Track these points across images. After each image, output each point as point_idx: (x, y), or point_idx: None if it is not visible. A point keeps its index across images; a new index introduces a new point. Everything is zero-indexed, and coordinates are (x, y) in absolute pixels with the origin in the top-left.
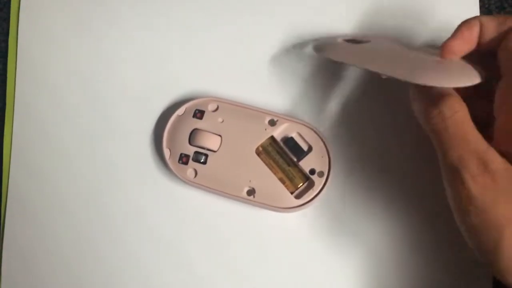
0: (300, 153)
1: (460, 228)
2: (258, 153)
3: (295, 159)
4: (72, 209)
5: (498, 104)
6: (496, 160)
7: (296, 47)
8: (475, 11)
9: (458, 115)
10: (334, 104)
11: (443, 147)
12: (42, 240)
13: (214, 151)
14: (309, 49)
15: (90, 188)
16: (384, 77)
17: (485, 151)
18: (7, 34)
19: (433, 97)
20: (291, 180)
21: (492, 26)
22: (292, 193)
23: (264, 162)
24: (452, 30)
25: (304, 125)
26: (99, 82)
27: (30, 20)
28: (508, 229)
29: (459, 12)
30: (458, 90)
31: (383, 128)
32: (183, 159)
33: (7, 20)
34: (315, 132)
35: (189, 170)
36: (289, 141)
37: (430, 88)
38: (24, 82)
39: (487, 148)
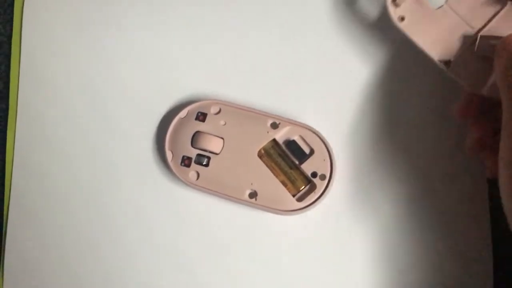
0: (302, 156)
1: None
2: (260, 155)
3: (297, 162)
4: (73, 210)
5: None
6: None
7: (299, 49)
8: None
9: None
10: (336, 108)
11: None
12: (44, 241)
13: (217, 154)
14: (311, 52)
15: (92, 190)
16: None
17: None
18: (10, 36)
19: (509, 58)
20: (293, 183)
21: None
22: (294, 196)
23: (266, 165)
24: None
25: (306, 128)
26: (101, 84)
27: (33, 22)
28: None
29: None
30: None
31: (386, 132)
32: (185, 161)
33: (10, 22)
34: (317, 135)
35: (191, 173)
36: (291, 144)
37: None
38: (27, 84)
39: None
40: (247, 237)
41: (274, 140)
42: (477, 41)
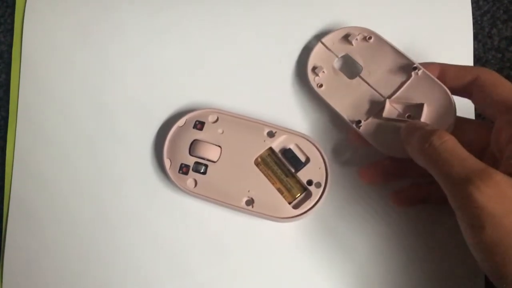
0: (298, 164)
1: (474, 251)
2: (257, 164)
3: (293, 170)
4: (73, 215)
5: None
6: (498, 173)
7: (295, 60)
8: (468, 28)
9: (448, 142)
10: (331, 117)
11: (443, 170)
12: (44, 247)
13: (214, 162)
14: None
15: (91, 196)
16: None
17: (485, 167)
18: (10, 44)
19: (421, 136)
20: (289, 190)
21: (452, 72)
22: (290, 203)
23: (263, 173)
24: (444, 48)
25: (302, 137)
26: (101, 92)
27: (34, 31)
28: None
29: (453, 30)
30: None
31: None
32: (183, 169)
33: (10, 31)
34: (312, 144)
35: (189, 180)
36: (287, 153)
37: (419, 129)
38: (27, 91)
39: (486, 165)
40: (244, 244)
41: (270, 148)
42: (385, 106)
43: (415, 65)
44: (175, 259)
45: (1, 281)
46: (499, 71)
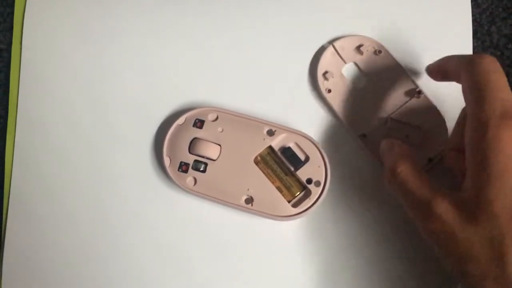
0: (298, 163)
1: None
2: (256, 162)
3: (292, 169)
4: (73, 216)
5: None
6: (440, 205)
7: (296, 59)
8: (467, 25)
9: (399, 177)
10: (331, 115)
11: (403, 204)
12: (43, 247)
13: (214, 160)
14: (308, 61)
15: (91, 195)
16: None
17: (428, 199)
18: (10, 43)
19: (385, 172)
20: (288, 189)
21: (454, 59)
22: (289, 201)
23: (262, 171)
24: (443, 46)
25: (302, 135)
26: (101, 91)
27: (33, 30)
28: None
29: (453, 28)
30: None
31: None
32: (183, 167)
33: (10, 30)
34: (312, 142)
35: (188, 178)
36: (286, 151)
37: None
38: (26, 91)
39: (432, 195)
40: (243, 242)
41: (270, 147)
42: (388, 122)
43: (418, 89)
44: (175, 257)
45: (1, 281)
46: None
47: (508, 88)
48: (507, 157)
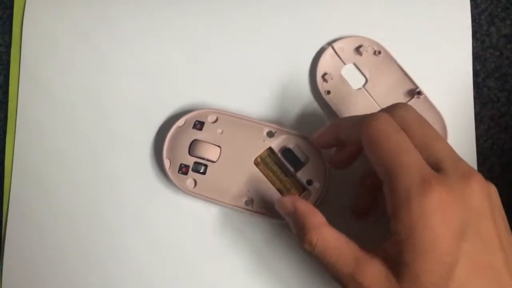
0: (298, 164)
1: None
2: (256, 163)
3: (292, 170)
4: (72, 217)
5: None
6: (366, 271)
7: (296, 61)
8: (467, 26)
9: (317, 249)
10: (331, 116)
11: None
12: (43, 249)
13: (214, 162)
14: (307, 63)
15: (91, 197)
16: None
17: (352, 273)
18: (9, 45)
19: (297, 235)
20: (288, 190)
21: (347, 126)
22: None
23: (263, 173)
24: (443, 46)
25: (302, 137)
26: (100, 93)
27: (33, 32)
28: None
29: (452, 28)
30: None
31: None
32: (183, 169)
33: (9, 32)
34: (312, 144)
35: (188, 180)
36: (286, 152)
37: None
38: (26, 93)
39: (356, 265)
40: (243, 244)
41: (270, 148)
42: None
43: (418, 90)
44: (175, 259)
45: (1, 282)
46: (498, 69)
47: (412, 146)
48: (432, 230)
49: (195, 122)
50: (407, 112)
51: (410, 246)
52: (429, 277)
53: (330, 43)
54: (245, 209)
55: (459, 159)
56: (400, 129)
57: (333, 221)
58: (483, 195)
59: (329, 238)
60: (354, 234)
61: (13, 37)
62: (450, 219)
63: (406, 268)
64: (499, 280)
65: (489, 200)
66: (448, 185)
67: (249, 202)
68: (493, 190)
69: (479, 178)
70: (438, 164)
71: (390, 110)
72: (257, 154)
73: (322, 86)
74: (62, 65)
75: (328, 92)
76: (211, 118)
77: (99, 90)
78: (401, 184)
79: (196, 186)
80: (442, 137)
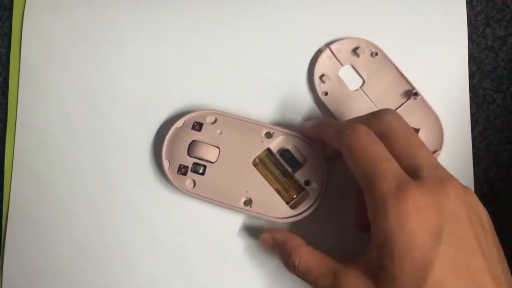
0: (296, 165)
1: None
2: (255, 164)
3: (290, 171)
4: (72, 218)
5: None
6: (345, 282)
7: (294, 62)
8: (463, 27)
9: (300, 268)
10: (329, 117)
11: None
12: (43, 250)
13: (212, 163)
14: (305, 64)
15: (90, 198)
16: None
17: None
18: (8, 47)
19: (282, 257)
20: (286, 190)
21: (329, 132)
22: (287, 203)
23: (261, 173)
24: (439, 47)
25: (300, 138)
26: (99, 94)
27: (32, 33)
28: None
29: (448, 30)
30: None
31: None
32: (182, 170)
33: (8, 34)
34: (310, 144)
35: (187, 181)
36: (285, 153)
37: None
38: (26, 94)
39: (333, 273)
40: (242, 244)
41: (268, 149)
42: None
43: (415, 91)
44: (174, 260)
45: (1, 282)
46: (493, 70)
47: (391, 155)
48: (409, 234)
49: (194, 123)
50: (393, 119)
51: (388, 250)
52: (406, 278)
53: (327, 45)
54: (244, 209)
55: (438, 166)
56: (378, 140)
57: (331, 221)
58: (458, 200)
59: (308, 257)
60: (353, 234)
61: (12, 38)
62: (426, 223)
63: (384, 271)
64: (477, 280)
65: (465, 204)
66: (424, 190)
67: (248, 202)
68: (469, 195)
69: (455, 183)
70: (417, 171)
71: (377, 115)
72: (256, 155)
73: (319, 87)
74: (61, 66)
75: (326, 93)
76: (210, 119)
77: (98, 91)
78: (378, 191)
79: (195, 187)
80: (424, 145)
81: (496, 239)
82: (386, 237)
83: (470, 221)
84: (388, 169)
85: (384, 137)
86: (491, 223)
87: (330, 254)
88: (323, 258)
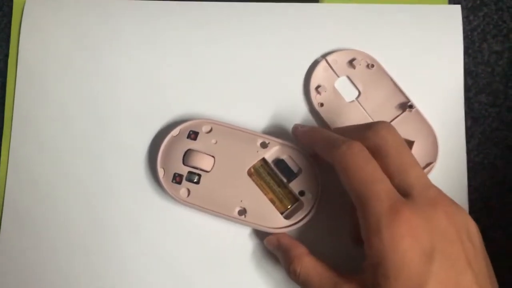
0: (291, 175)
1: None
2: (250, 174)
3: (285, 181)
4: (67, 221)
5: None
6: None
7: (290, 73)
8: (459, 42)
9: (300, 276)
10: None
11: None
12: (38, 252)
13: (207, 172)
14: (301, 75)
15: (85, 205)
16: None
17: None
18: (6, 53)
19: (284, 262)
20: (281, 201)
21: (321, 145)
22: (282, 213)
23: (256, 183)
24: (435, 61)
25: (295, 148)
26: (96, 101)
27: (31, 38)
28: None
29: (445, 44)
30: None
31: None
32: (177, 178)
33: (6, 40)
34: (305, 155)
35: (182, 190)
36: (280, 163)
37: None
38: (23, 98)
39: (334, 285)
40: (235, 253)
41: (263, 159)
42: None
43: (410, 103)
44: (168, 268)
45: None
46: (489, 84)
47: (384, 175)
48: (402, 255)
49: (189, 132)
50: (387, 133)
51: (382, 270)
52: None
53: (324, 56)
54: (238, 219)
55: (430, 186)
56: (371, 158)
57: (325, 231)
58: (448, 219)
59: (310, 266)
60: (347, 245)
61: (11, 41)
62: (419, 243)
63: None
64: None
65: (455, 223)
66: (416, 211)
67: (242, 212)
68: (459, 212)
69: (446, 202)
70: (409, 189)
71: (372, 128)
72: (251, 165)
73: (315, 98)
74: (59, 70)
75: (322, 104)
76: (205, 128)
77: (95, 97)
78: (372, 212)
79: (190, 196)
80: (417, 163)
81: (485, 253)
82: (380, 257)
83: (460, 240)
84: (382, 190)
85: (377, 153)
86: (481, 238)
87: (331, 266)
88: (324, 269)
